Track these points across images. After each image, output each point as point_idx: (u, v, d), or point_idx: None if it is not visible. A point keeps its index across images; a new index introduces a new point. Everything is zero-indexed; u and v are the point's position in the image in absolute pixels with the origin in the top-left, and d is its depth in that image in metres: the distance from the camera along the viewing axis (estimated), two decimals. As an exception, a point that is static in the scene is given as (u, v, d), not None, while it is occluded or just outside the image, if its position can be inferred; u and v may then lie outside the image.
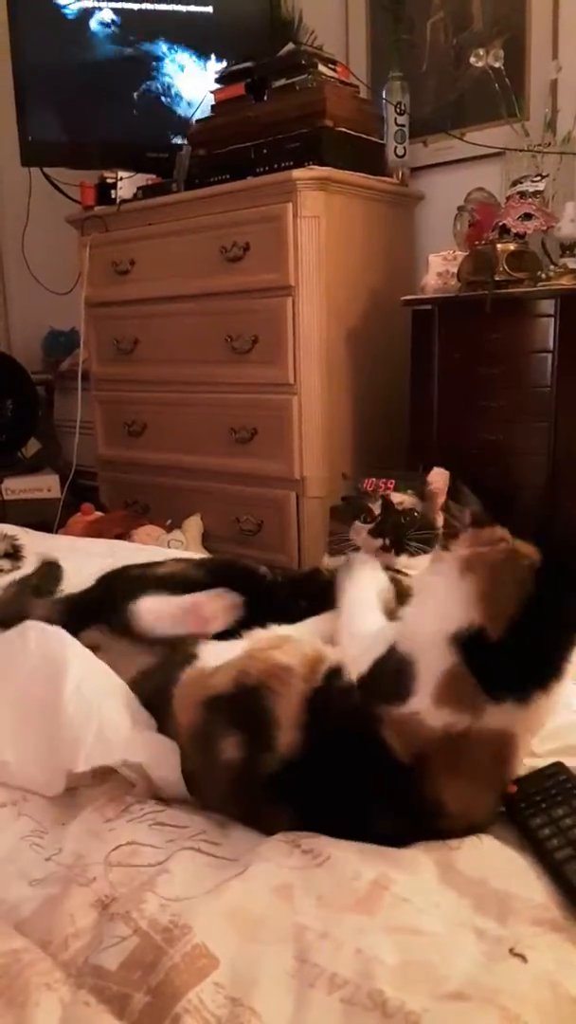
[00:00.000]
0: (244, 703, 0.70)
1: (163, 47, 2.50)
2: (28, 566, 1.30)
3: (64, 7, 2.45)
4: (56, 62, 2.49)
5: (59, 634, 0.82)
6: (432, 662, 0.65)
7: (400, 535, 0.99)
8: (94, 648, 0.86)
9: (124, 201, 2.42)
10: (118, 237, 2.46)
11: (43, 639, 0.82)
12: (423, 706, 0.64)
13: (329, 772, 0.65)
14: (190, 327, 2.36)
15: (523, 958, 0.49)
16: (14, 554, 1.27)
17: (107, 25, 2.49)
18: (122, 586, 0.95)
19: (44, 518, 2.54)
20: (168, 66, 2.54)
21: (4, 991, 0.49)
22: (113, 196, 2.45)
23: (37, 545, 1.35)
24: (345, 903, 0.53)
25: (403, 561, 0.96)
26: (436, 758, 0.62)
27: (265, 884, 0.55)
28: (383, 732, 0.65)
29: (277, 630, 0.83)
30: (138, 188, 2.41)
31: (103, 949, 0.51)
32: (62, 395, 3.15)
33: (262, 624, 0.85)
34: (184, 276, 2.32)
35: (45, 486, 2.68)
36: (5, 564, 1.25)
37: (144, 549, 1.54)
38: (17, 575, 1.26)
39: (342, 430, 2.27)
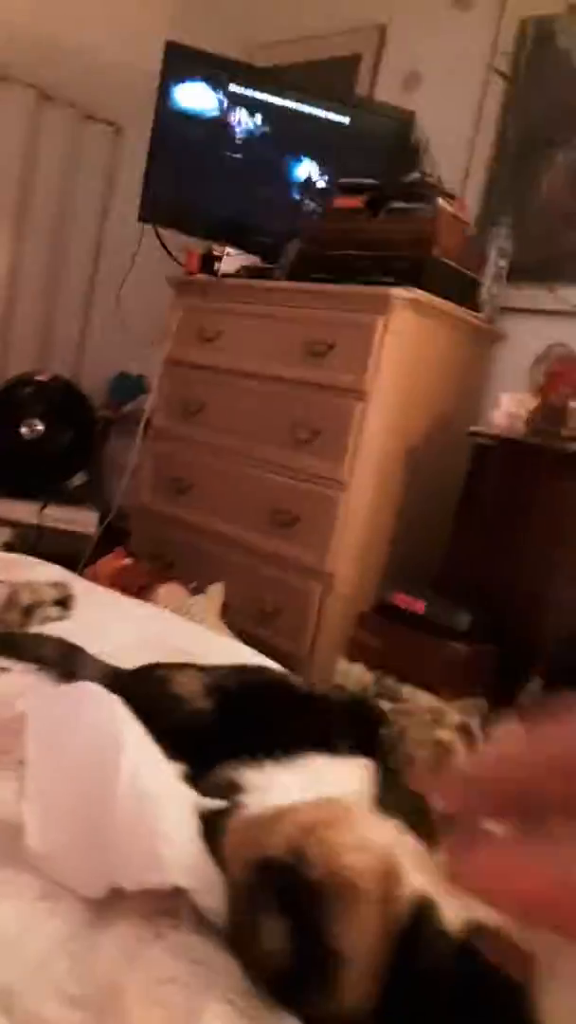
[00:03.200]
0: (300, 893, 0.60)
1: (295, 144, 2.65)
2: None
3: (213, 88, 2.63)
4: (193, 132, 2.65)
5: (115, 706, 0.78)
6: None
7: None
8: None
9: (225, 275, 2.53)
10: (212, 307, 2.57)
11: (98, 707, 0.78)
12: None
13: None
14: (258, 405, 2.43)
15: None
16: (64, 603, 1.29)
17: (248, 112, 2.65)
18: (146, 691, 0.95)
19: (75, 552, 2.58)
20: (295, 162, 2.69)
21: None
22: (215, 268, 2.56)
23: (86, 597, 1.37)
24: None
25: None
26: None
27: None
28: None
29: (330, 774, 0.80)
30: (242, 267, 2.53)
31: None
32: (117, 437, 3.23)
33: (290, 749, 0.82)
34: (265, 357, 2.40)
35: (83, 521, 2.73)
36: (54, 612, 1.27)
37: (185, 627, 1.54)
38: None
39: (380, 539, 2.31)
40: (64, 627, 1.25)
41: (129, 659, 1.15)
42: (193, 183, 2.67)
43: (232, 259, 2.57)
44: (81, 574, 2.49)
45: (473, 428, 2.12)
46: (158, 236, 2.71)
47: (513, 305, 2.48)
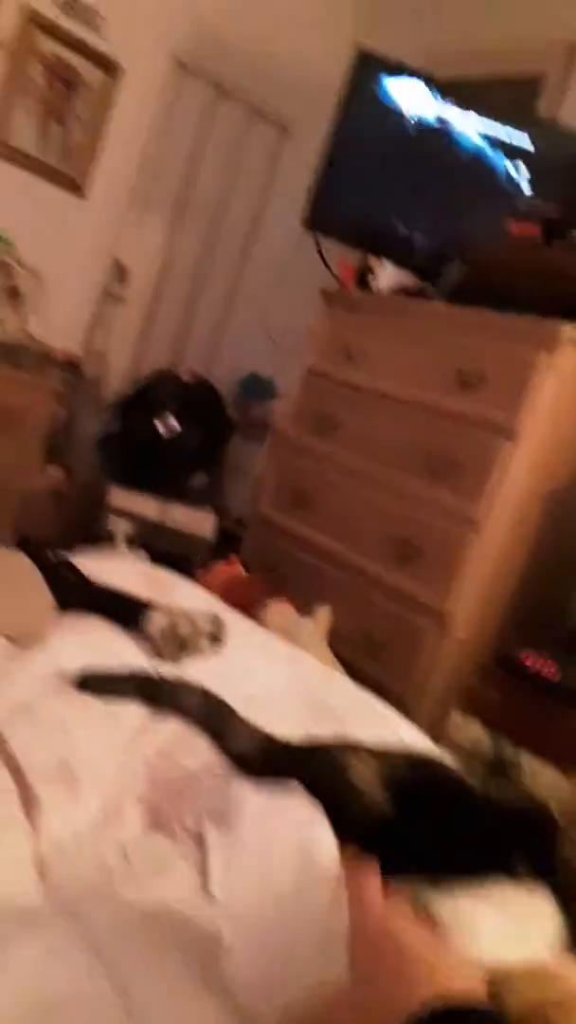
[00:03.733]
0: None
1: (471, 163, 2.54)
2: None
3: (395, 104, 2.54)
4: (369, 142, 2.57)
5: (317, 818, 0.73)
6: None
7: None
8: None
9: (380, 293, 2.45)
10: (361, 323, 2.49)
11: (301, 818, 0.74)
12: None
13: None
14: (396, 429, 2.34)
15: None
16: (217, 637, 1.26)
17: (428, 126, 2.56)
18: (321, 775, 0.89)
19: (189, 552, 2.56)
20: (465, 179, 2.57)
21: None
22: (370, 282, 2.48)
23: (233, 629, 1.34)
24: None
25: None
26: None
27: None
28: None
29: (523, 907, 0.71)
30: (398, 284, 2.44)
31: None
32: (241, 439, 3.20)
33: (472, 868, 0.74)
34: (411, 380, 2.31)
35: (201, 523, 2.71)
36: (206, 645, 1.24)
37: (327, 675, 1.48)
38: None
39: (507, 587, 2.18)
40: (213, 665, 1.22)
41: (278, 712, 1.11)
42: (360, 194, 2.60)
43: (388, 275, 2.48)
44: (194, 577, 2.48)
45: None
46: (318, 246, 2.64)
47: None
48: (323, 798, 0.82)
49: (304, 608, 2.41)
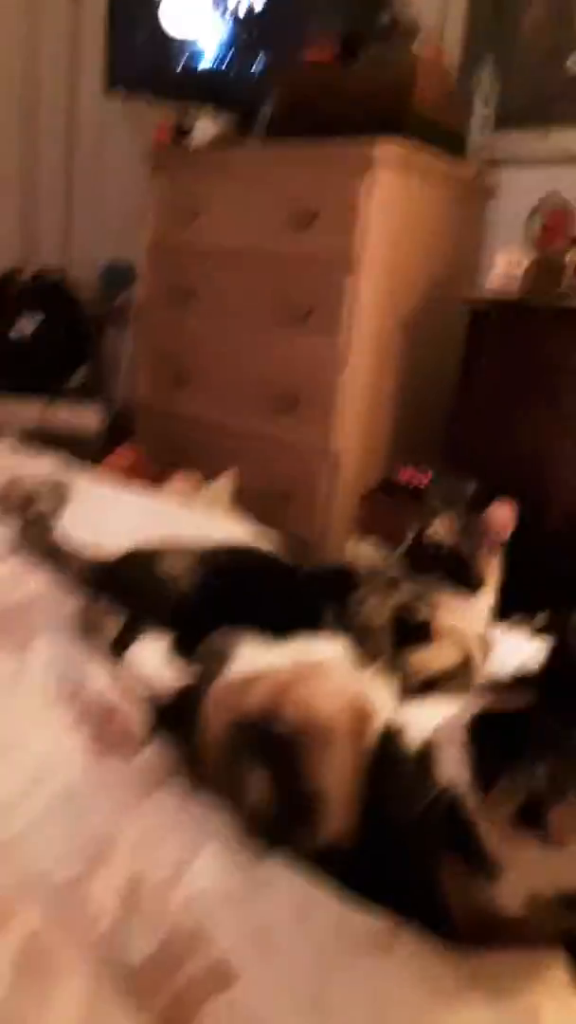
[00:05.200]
0: (275, 749, 0.66)
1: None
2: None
3: None
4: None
5: None
6: None
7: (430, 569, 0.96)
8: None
9: (198, 146, 2.39)
10: (189, 181, 2.44)
11: None
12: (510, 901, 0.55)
13: (386, 868, 0.60)
14: (247, 285, 2.35)
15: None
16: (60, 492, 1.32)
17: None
18: (123, 579, 0.98)
19: (82, 450, 2.57)
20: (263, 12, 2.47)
21: (27, 970, 0.53)
22: (187, 139, 2.41)
23: (84, 491, 1.40)
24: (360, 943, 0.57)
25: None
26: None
27: (288, 901, 0.60)
28: (441, 874, 0.58)
29: (311, 648, 0.80)
30: (216, 134, 2.38)
31: (127, 941, 0.56)
32: (115, 330, 3.15)
33: (284, 629, 0.83)
34: (249, 233, 2.30)
35: (87, 419, 2.70)
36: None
37: (186, 512, 1.58)
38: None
39: (382, 414, 2.28)
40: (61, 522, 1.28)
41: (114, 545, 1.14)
42: (155, 41, 2.47)
43: (204, 127, 2.41)
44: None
45: (465, 296, 2.04)
46: (125, 107, 2.54)
47: (505, 156, 2.33)
48: (135, 596, 0.92)
49: (209, 479, 2.48)
